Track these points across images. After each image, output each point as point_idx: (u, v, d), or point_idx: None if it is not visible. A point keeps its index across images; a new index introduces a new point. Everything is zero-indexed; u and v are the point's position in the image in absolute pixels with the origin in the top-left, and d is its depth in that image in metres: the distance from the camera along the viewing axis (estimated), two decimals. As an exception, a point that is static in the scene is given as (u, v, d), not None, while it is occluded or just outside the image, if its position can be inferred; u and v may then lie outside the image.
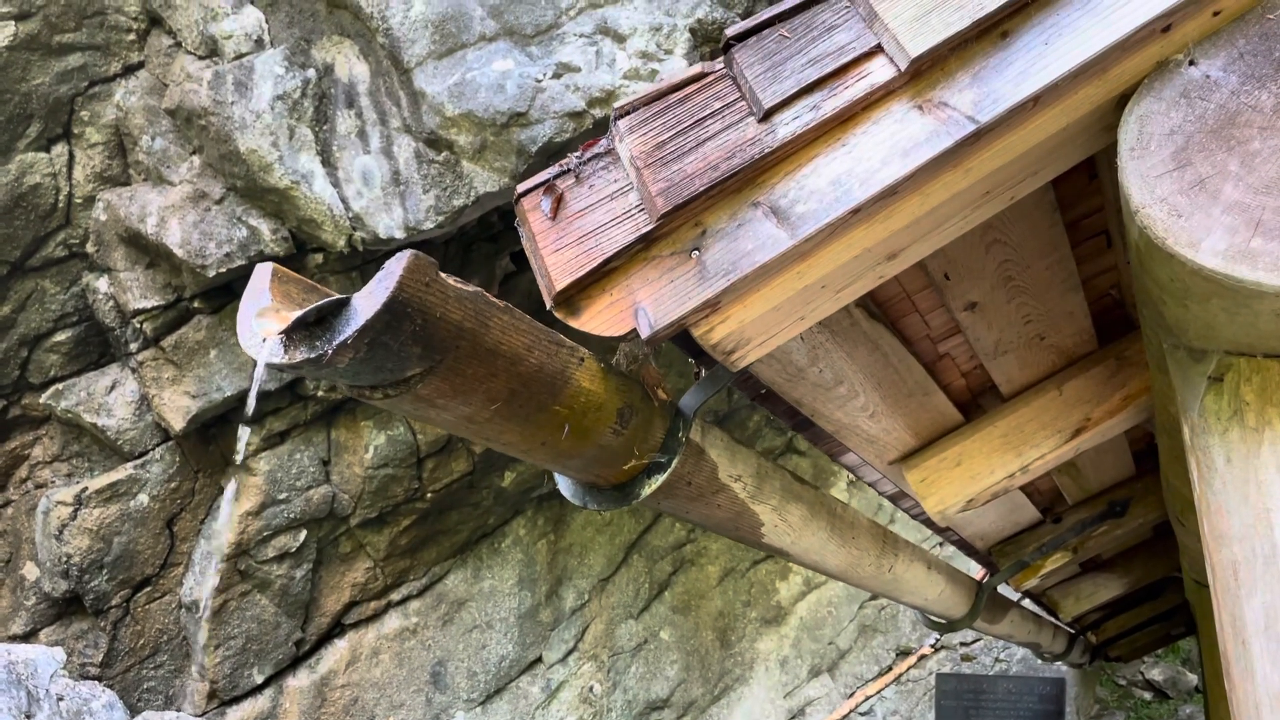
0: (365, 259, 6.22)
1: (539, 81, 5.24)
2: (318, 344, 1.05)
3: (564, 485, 1.72)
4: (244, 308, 1.11)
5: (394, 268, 1.08)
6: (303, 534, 7.02)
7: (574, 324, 1.44)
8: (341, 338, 1.04)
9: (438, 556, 7.88)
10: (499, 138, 5.31)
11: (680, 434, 1.62)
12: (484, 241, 6.77)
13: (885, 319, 2.11)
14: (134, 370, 6.58)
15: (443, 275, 1.15)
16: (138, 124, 6.33)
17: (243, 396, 6.58)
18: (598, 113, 5.33)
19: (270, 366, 1.04)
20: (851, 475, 3.09)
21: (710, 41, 5.46)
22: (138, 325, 6.44)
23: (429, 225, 5.53)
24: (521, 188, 1.47)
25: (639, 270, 1.40)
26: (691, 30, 5.33)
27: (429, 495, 7.41)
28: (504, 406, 1.29)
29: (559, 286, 1.41)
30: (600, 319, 1.41)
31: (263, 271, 1.15)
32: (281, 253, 5.99)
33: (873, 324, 2.04)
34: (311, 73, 5.73)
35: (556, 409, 1.37)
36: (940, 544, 8.41)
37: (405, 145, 5.56)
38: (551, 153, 5.37)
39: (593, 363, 1.44)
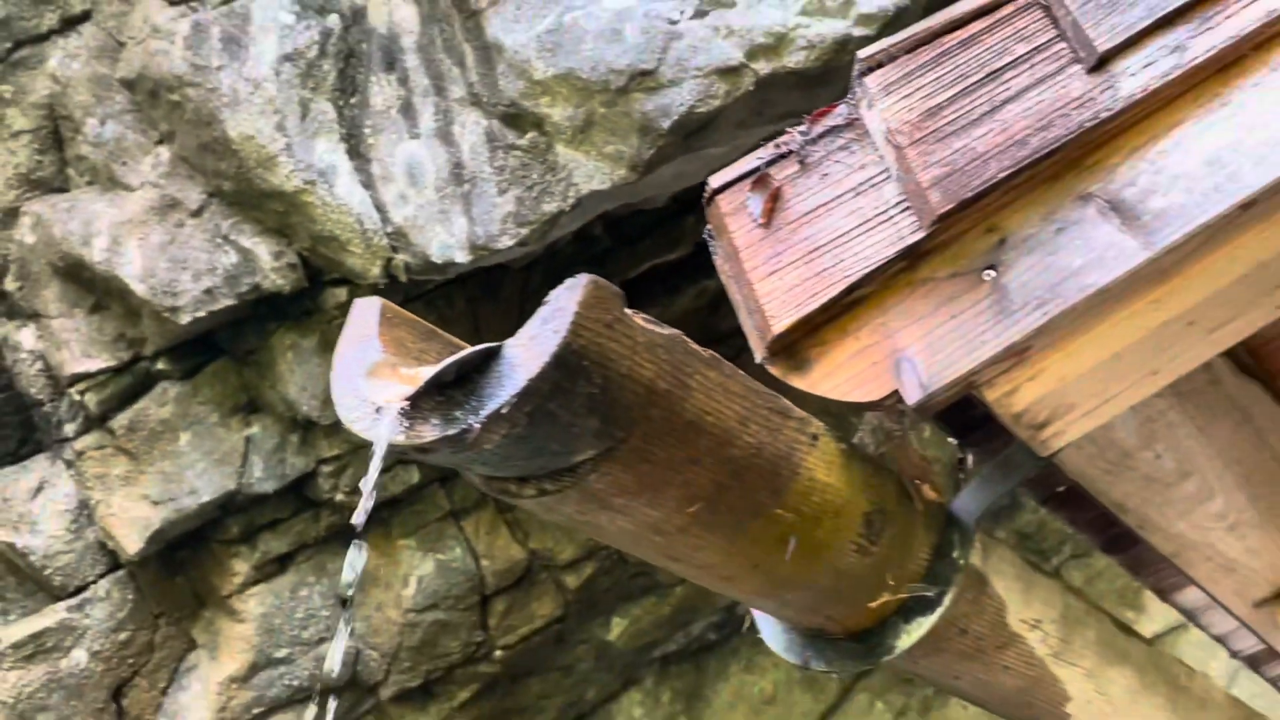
0: (408, 294, 6.38)
1: (674, 24, 5.34)
2: (458, 415, 1.10)
3: (772, 633, 1.75)
4: (344, 364, 1.18)
5: (565, 301, 1.14)
6: (311, 712, 7.14)
7: (799, 384, 1.48)
8: (494, 405, 1.09)
9: (511, 749, 7.92)
10: (612, 109, 5.41)
11: (956, 554, 1.63)
12: (583, 265, 6.88)
13: (1262, 374, 2.09)
14: (69, 464, 6.84)
15: (629, 312, 1.19)
16: (81, 102, 6.66)
17: (226, 503, 6.77)
18: (761, 67, 5.38)
19: (392, 450, 1.09)
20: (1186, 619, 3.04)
21: (935, -45, 5.50)
22: (77, 397, 6.71)
23: (506, 241, 5.64)
24: (716, 181, 1.52)
25: (901, 301, 1.43)
26: (906, -61, 5.39)
27: (498, 653, 7.49)
28: (706, 508, 1.33)
29: (778, 328, 1.44)
30: (841, 376, 1.44)
31: (367, 309, 1.22)
32: (287, 287, 6.18)
33: (1243, 382, 2.03)
34: (334, 20, 5.95)
35: (779, 513, 1.41)
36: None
37: (471, 124, 5.70)
38: (691, 130, 5.44)
39: (830, 443, 1.46)
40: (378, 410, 1.12)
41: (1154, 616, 8.66)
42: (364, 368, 1.16)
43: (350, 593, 1.11)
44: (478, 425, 1.10)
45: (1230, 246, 1.35)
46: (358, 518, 1.14)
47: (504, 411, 1.10)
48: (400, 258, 5.94)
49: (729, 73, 5.41)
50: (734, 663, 8.50)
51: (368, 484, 1.10)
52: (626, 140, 5.49)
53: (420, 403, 1.12)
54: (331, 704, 1.21)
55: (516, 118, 5.62)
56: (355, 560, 1.09)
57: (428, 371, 1.11)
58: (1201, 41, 1.34)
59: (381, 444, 1.08)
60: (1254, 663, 3.21)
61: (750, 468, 1.34)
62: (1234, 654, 3.12)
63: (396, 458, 1.15)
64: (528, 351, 1.11)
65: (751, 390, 1.33)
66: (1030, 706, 1.99)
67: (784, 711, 8.72)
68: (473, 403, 1.11)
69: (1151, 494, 2.12)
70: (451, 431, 1.10)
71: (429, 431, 1.11)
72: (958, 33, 1.43)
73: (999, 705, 2.02)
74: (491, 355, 1.12)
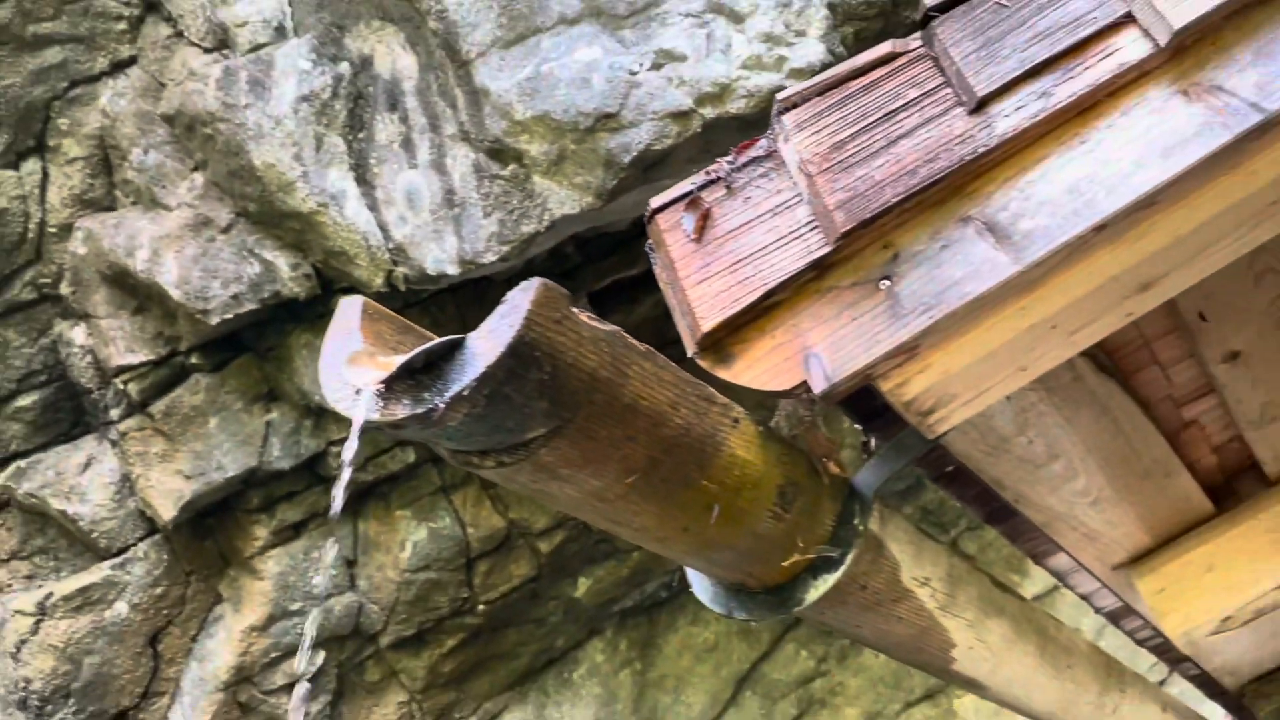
0: (407, 301, 6.36)
1: (634, 74, 5.34)
2: (426, 396, 1.09)
3: (701, 588, 1.74)
4: (329, 352, 1.16)
5: (519, 300, 1.13)
6: (320, 656, 7.11)
7: (724, 375, 1.47)
8: (456, 389, 1.08)
9: (491, 689, 7.90)
10: (581, 146, 5.41)
11: (856, 521, 1.63)
12: (557, 279, 6.87)
13: (1118, 373, 2.10)
14: (114, 444, 6.79)
15: (575, 310, 1.19)
16: (127, 134, 6.61)
17: (248, 478, 6.73)
18: (708, 112, 5.40)
19: (368, 426, 1.08)
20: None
21: (855, 20, 5.51)
22: (121, 386, 6.66)
23: (490, 258, 5.63)
24: (656, 202, 1.51)
25: (810, 305, 1.42)
26: (830, 5, 5.40)
27: (481, 607, 7.47)
28: (642, 480, 1.32)
29: (706, 327, 1.43)
30: (759, 368, 1.44)
31: (351, 306, 1.20)
32: (302, 294, 6.15)
33: (1102, 380, 2.03)
34: (345, 67, 5.93)
35: (705, 484, 1.40)
36: (1163, 681, 8.15)
37: (462, 157, 5.69)
38: (649, 164, 5.44)
39: (749, 425, 1.46)
40: (357, 392, 1.11)
41: (1036, 579, 8.71)
42: (346, 356, 1.15)
43: (334, 538, 1.10)
44: (442, 405, 1.09)
45: (1087, 262, 1.35)
46: (339, 486, 1.13)
47: (465, 394, 1.09)
48: (400, 270, 5.93)
49: (680, 116, 5.41)
50: (682, 617, 8.50)
51: (347, 453, 1.09)
52: (593, 172, 5.48)
53: (393, 386, 1.10)
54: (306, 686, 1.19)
55: (500, 152, 5.61)
56: (337, 507, 1.07)
57: (400, 359, 1.10)
58: (1065, 89, 1.34)
59: (359, 420, 1.07)
60: (1114, 618, 3.22)
61: (680, 445, 1.33)
62: (1097, 610, 3.13)
63: (396, 439, 1.14)
64: (487, 343, 1.11)
65: (682, 379, 1.32)
66: (921, 651, 1.99)
67: (724, 658, 8.73)
68: (439, 386, 1.10)
69: (1025, 473, 2.12)
70: (420, 410, 1.09)
71: (400, 410, 1.10)
72: (860, 79, 1.43)
73: (895, 650, 2.02)
74: (456, 346, 1.11)
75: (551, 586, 7.79)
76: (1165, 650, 3.33)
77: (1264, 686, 4.07)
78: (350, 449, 1.08)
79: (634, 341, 1.26)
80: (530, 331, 1.11)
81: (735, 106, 5.44)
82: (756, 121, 5.46)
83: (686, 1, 5.42)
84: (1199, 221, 1.36)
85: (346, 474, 1.08)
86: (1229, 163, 1.30)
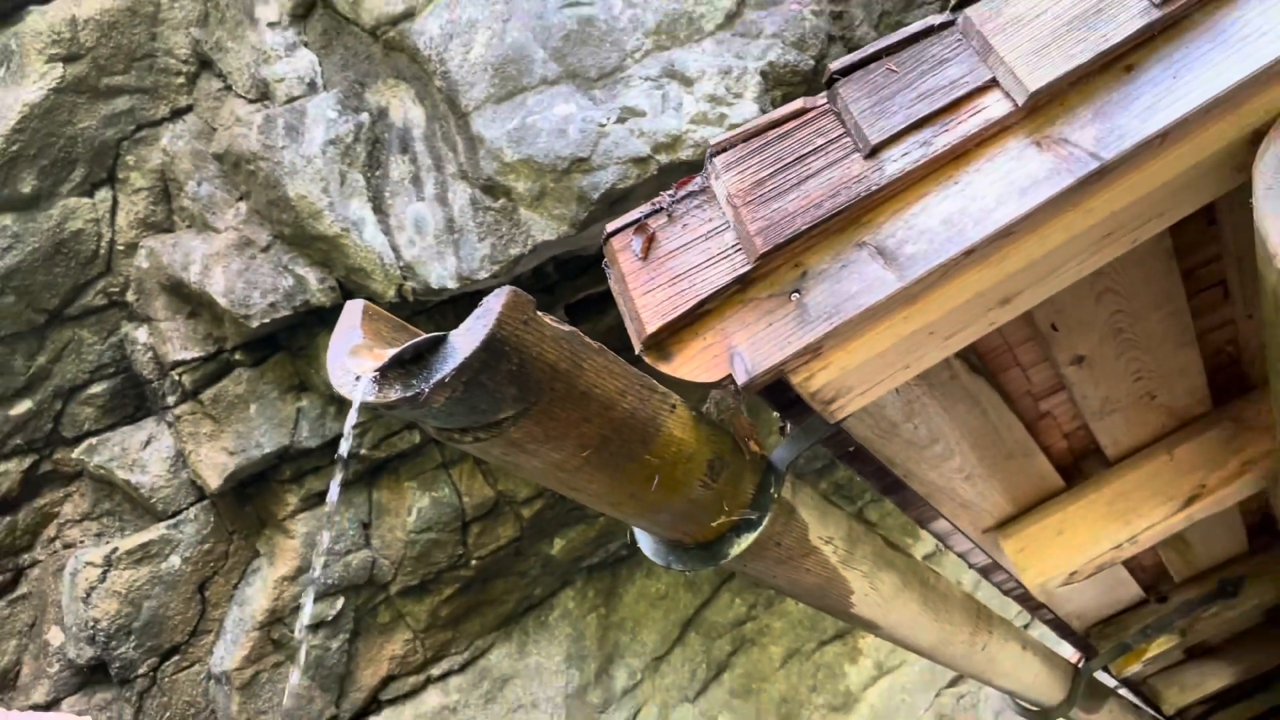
0: (415, 309, 6.33)
1: (602, 126, 5.35)
2: (414, 383, 1.08)
3: (646, 543, 1.73)
4: (335, 345, 1.15)
5: (493, 304, 1.12)
6: (340, 602, 7.05)
7: (665, 369, 1.46)
8: (439, 376, 1.07)
9: (481, 629, 7.86)
10: (559, 184, 5.40)
11: (772, 490, 1.62)
12: (539, 293, 6.85)
13: (986, 372, 2.10)
14: (170, 425, 6.72)
15: (539, 314, 1.18)
16: (184, 169, 6.54)
17: (282, 454, 6.67)
18: (663, 158, 5.41)
19: (364, 406, 1.07)
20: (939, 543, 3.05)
21: (783, 85, 5.53)
22: (176, 378, 6.59)
23: (483, 275, 5.62)
24: (611, 227, 1.51)
25: (735, 313, 1.42)
26: (763, 74, 5.41)
27: (474, 562, 7.43)
28: (595, 454, 1.31)
29: (650, 329, 1.43)
30: (693, 364, 1.43)
31: (354, 308, 1.19)
32: (328, 303, 6.11)
33: (973, 378, 2.04)
34: (365, 117, 5.90)
35: (647, 458, 1.39)
36: (1027, 625, 8.22)
37: (461, 192, 5.67)
38: (614, 200, 5.45)
39: (684, 410, 1.45)
40: (356, 378, 1.10)
41: (926, 542, 8.77)
42: (348, 348, 1.14)
43: (335, 501, 1.09)
44: (427, 390, 1.08)
45: (958, 280, 1.36)
46: (343, 450, 1.11)
47: (446, 380, 1.08)
48: (409, 284, 5.89)
49: (640, 161, 5.42)
50: (639, 571, 8.51)
51: (348, 429, 1.08)
52: (569, 206, 5.47)
53: (387, 373, 1.10)
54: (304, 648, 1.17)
55: (492, 188, 5.59)
56: (333, 493, 1.06)
57: (393, 351, 1.09)
58: (942, 139, 1.35)
59: (357, 400, 1.06)
60: (985, 572, 3.23)
61: (626, 426, 1.32)
62: (971, 566, 3.14)
63: (394, 419, 1.13)
64: (465, 339, 1.10)
65: (629, 372, 1.31)
66: (826, 598, 1.98)
67: (673, 605, 8.73)
68: (425, 374, 1.09)
69: (911, 453, 2.13)
70: (408, 394, 1.08)
71: (393, 394, 1.09)
72: (778, 129, 1.43)
73: (805, 597, 2.01)
74: (440, 341, 1.10)
75: (532, 545, 7.77)
76: (1026, 599, 3.35)
77: (1106, 628, 4.10)
78: (350, 423, 1.07)
79: (589, 340, 1.25)
80: (501, 330, 1.10)
81: (685, 154, 5.45)
82: (702, 167, 5.48)
83: (646, 68, 5.42)
84: (1048, 249, 1.37)
85: (338, 478, 1.07)
86: (1072, 201, 1.31)
